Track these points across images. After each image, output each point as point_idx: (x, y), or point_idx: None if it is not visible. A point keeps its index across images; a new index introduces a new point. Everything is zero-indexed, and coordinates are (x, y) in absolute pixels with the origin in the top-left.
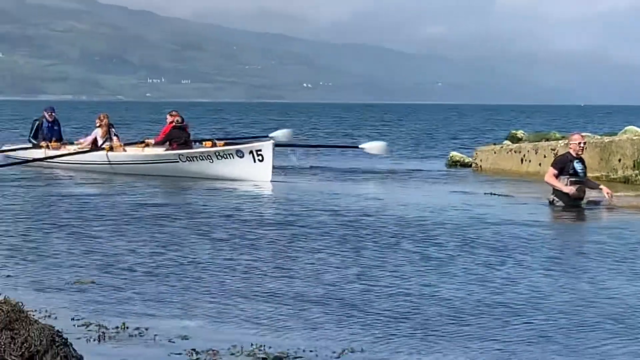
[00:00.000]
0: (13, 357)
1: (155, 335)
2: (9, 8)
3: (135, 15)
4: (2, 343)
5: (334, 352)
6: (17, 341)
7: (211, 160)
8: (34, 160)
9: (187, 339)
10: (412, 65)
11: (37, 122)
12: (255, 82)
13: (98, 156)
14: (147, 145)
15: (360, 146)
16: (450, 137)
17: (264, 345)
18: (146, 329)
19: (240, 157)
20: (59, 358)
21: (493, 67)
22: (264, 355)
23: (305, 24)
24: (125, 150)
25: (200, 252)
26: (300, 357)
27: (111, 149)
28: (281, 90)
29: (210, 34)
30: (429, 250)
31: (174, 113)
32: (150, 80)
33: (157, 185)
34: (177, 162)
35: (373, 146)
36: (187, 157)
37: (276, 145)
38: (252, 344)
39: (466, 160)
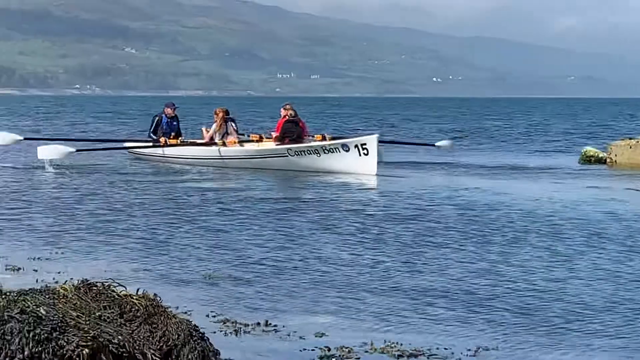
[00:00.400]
0: (152, 351)
1: (288, 331)
2: (142, 5)
3: (265, 11)
4: (142, 337)
5: (469, 350)
6: (156, 335)
7: (319, 154)
8: (150, 154)
9: (320, 335)
10: (543, 58)
11: (157, 118)
12: (384, 76)
13: (211, 151)
14: (262, 139)
15: (436, 144)
16: (578, 132)
17: (397, 342)
18: (280, 326)
19: (346, 151)
20: (196, 352)
21: (625, 60)
22: (398, 353)
23: (435, 18)
24: (243, 145)
25: (326, 246)
26: (435, 355)
27: (224, 144)
28: (410, 84)
29: (339, 29)
30: (556, 245)
31: (287, 107)
32: (280, 75)
33: (274, 179)
34: (287, 156)
35: (445, 144)
36: (295, 151)
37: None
38: (384, 341)
39: (600, 156)
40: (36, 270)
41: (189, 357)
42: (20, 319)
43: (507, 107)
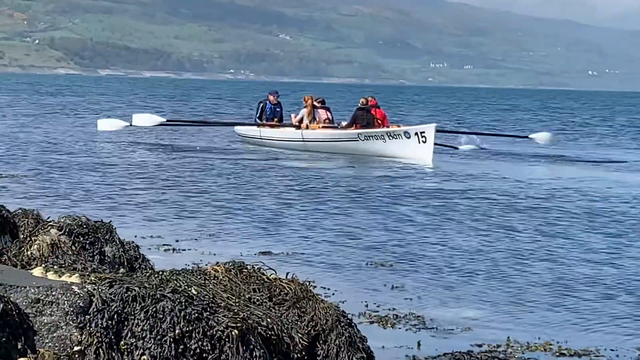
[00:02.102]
0: (300, 335)
1: (434, 323)
2: None
3: (420, 0)
4: (290, 320)
5: (634, 352)
6: (304, 319)
7: (384, 140)
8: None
9: (469, 329)
10: None
11: (262, 104)
12: (539, 68)
13: (296, 134)
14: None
15: (530, 136)
16: None
17: (557, 341)
18: (426, 316)
19: (408, 138)
20: (343, 338)
21: None
22: (563, 352)
23: (593, 11)
24: (341, 128)
25: (450, 233)
26: (602, 357)
27: (307, 127)
28: (565, 77)
29: (495, 19)
30: None
31: (368, 98)
32: (433, 65)
33: (374, 165)
34: (357, 140)
35: (541, 137)
36: (365, 136)
37: (440, 131)
38: (538, 337)
39: None
40: (184, 250)
41: (336, 342)
42: (172, 298)
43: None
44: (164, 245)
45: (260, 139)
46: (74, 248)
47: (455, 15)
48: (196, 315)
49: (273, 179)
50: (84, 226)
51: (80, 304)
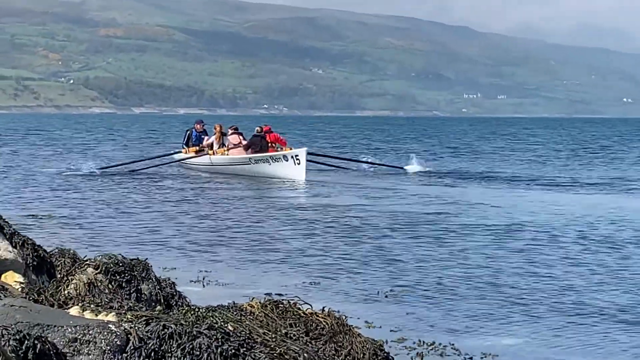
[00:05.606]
0: None
1: (473, 353)
2: (329, 26)
3: (452, 31)
4: (327, 355)
5: None
6: (341, 353)
7: (269, 163)
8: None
9: (493, 357)
10: None
11: (188, 132)
12: (573, 97)
13: (205, 159)
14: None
15: (405, 167)
16: None
17: None
18: (458, 347)
19: (286, 160)
20: None
21: None
22: None
23: (627, 38)
24: (257, 151)
25: (469, 258)
26: None
27: (214, 153)
28: (599, 105)
29: (529, 49)
30: None
31: (262, 126)
32: (466, 96)
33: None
34: (249, 164)
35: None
36: (255, 159)
37: (309, 153)
38: None
39: None
40: (212, 283)
41: None
42: (208, 334)
43: None
44: (191, 278)
45: (186, 163)
46: (110, 286)
47: (488, 46)
48: (233, 351)
49: (282, 213)
50: (120, 264)
51: (118, 343)
